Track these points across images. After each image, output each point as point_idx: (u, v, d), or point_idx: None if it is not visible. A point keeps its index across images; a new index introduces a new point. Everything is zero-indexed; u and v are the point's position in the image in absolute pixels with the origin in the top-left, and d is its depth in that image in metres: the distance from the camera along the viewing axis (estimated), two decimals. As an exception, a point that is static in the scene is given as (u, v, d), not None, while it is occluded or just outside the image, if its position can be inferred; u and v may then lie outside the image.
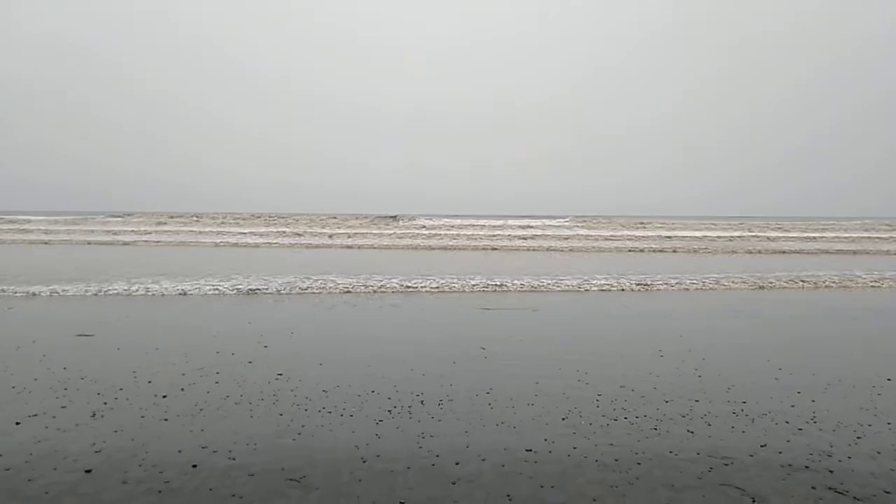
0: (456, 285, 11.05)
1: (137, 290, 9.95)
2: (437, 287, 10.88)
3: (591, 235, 28.46)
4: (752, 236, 29.41)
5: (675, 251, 22.29)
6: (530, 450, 3.45)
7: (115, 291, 9.89)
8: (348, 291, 10.38)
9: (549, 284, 11.34)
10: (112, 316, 7.73)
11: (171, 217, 38.05)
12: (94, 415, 3.95)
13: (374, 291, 10.43)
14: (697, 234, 30.06)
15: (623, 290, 11.11)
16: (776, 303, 9.87)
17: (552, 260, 18.30)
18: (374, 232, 29.66)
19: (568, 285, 11.34)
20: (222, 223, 34.42)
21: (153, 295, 9.75)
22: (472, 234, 28.62)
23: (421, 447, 3.47)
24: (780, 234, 30.11)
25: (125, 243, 24.20)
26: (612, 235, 28.67)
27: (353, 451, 3.40)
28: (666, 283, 11.65)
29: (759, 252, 22.33)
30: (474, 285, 11.05)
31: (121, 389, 4.50)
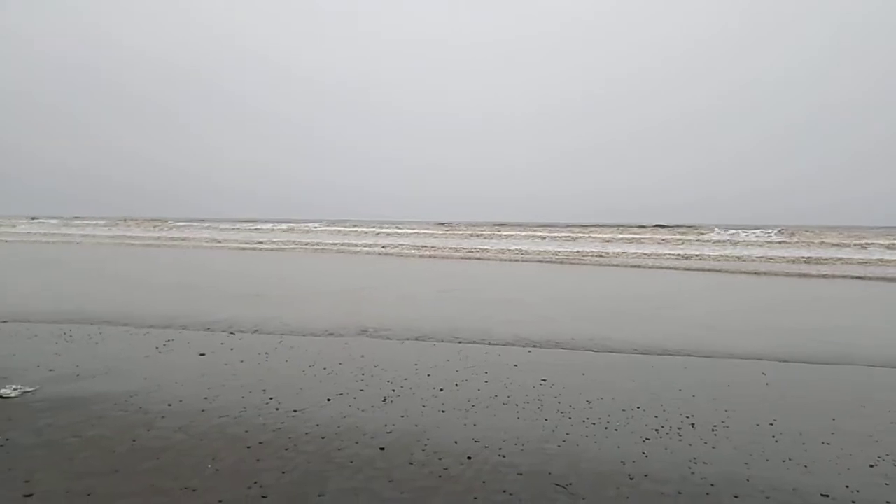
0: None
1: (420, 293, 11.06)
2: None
3: None
4: None
5: None
6: (827, 495, 3.01)
7: (410, 294, 11.13)
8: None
9: None
10: (395, 313, 8.72)
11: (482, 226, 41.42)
12: (385, 399, 4.51)
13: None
14: None
15: None
16: None
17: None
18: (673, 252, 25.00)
19: None
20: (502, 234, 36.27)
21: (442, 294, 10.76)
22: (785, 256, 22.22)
23: (693, 473, 3.26)
24: None
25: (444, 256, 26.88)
26: None
27: (619, 466, 3.34)
28: None
29: None
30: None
31: (406, 379, 5.07)
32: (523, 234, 34.81)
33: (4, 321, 7.33)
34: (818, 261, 20.62)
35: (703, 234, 32.56)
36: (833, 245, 25.07)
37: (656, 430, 3.94)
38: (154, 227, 44.17)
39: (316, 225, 44.08)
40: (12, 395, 4.37)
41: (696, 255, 22.87)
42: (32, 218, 56.36)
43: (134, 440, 3.59)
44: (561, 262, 20.64)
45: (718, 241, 28.84)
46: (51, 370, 5.11)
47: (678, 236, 31.63)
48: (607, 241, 29.66)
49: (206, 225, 45.17)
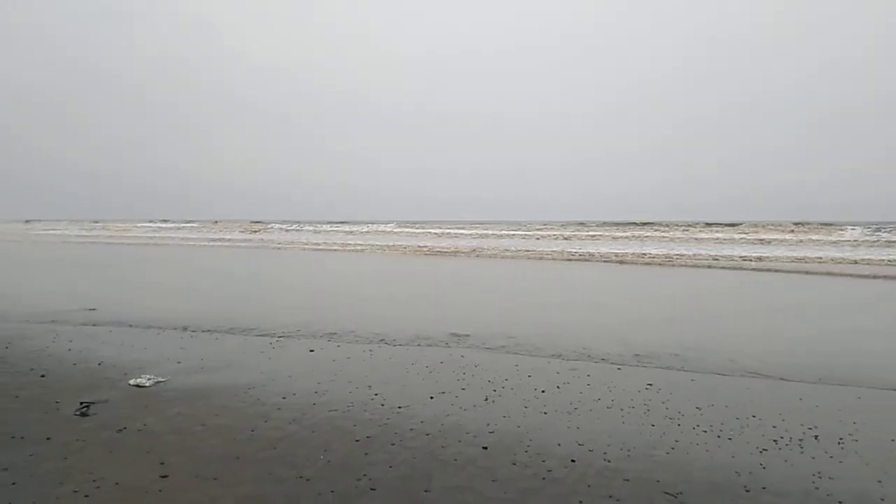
0: None
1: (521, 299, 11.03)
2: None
3: None
4: None
5: None
6: (979, 520, 2.73)
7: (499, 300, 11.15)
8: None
9: None
10: (484, 318, 8.75)
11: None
12: (486, 399, 4.54)
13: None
14: None
15: None
16: None
17: None
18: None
19: None
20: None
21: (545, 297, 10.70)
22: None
23: (818, 488, 3.05)
24: None
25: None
26: None
27: (734, 477, 3.18)
28: None
29: None
30: None
31: (506, 380, 5.07)
32: (624, 234, 33.66)
33: (132, 325, 8.02)
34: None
35: (839, 231, 30.09)
36: None
37: (775, 440, 3.71)
38: (251, 230, 47.08)
39: (391, 226, 45.22)
40: (147, 384, 4.78)
41: (830, 259, 19.99)
42: (149, 221, 61.65)
43: (252, 430, 3.83)
44: (677, 266, 19.76)
45: (854, 241, 26.46)
46: (178, 363, 5.54)
47: (811, 236, 29.35)
48: (722, 243, 28.01)
49: (294, 228, 47.96)
